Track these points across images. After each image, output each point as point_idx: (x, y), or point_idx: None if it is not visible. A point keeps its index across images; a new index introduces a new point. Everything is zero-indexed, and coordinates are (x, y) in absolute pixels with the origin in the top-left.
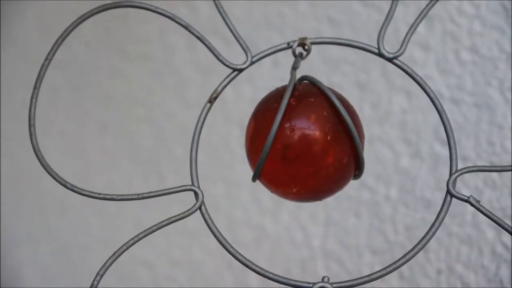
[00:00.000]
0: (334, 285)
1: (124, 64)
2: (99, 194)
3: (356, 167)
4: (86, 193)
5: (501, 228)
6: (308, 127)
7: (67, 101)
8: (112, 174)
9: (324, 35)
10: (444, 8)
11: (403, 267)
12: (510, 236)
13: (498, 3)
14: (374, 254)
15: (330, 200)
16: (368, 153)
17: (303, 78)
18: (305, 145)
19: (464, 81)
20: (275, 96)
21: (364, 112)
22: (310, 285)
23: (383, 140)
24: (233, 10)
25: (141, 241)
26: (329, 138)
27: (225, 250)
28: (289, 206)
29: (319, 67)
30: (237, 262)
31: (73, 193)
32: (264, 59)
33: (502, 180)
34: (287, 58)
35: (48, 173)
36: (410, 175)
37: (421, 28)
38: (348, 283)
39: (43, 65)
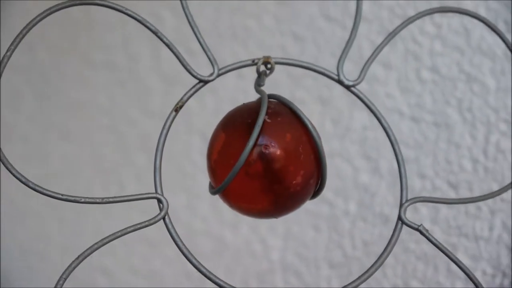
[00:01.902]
0: None
1: (88, 72)
2: (62, 195)
3: (317, 187)
4: (49, 193)
5: (457, 247)
6: (283, 146)
7: (29, 107)
8: (73, 181)
9: (288, 50)
10: (407, 28)
11: None
12: (457, 266)
13: (459, 24)
14: (332, 268)
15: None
16: (328, 168)
17: (271, 96)
18: (279, 163)
19: (424, 100)
20: (248, 112)
21: (325, 128)
22: None
23: (343, 155)
24: (198, 21)
25: (100, 249)
26: (302, 158)
27: (183, 260)
28: (249, 218)
29: (283, 81)
30: (196, 272)
31: (32, 199)
32: (228, 74)
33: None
34: (251, 71)
35: (9, 171)
36: (369, 191)
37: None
38: None
39: (4, 55)
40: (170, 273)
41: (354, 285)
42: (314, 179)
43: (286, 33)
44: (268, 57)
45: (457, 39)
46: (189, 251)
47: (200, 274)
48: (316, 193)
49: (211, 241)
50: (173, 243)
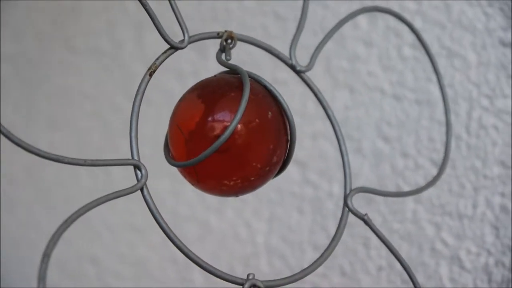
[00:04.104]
0: (264, 283)
1: (73, 58)
2: (45, 152)
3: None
4: (32, 149)
5: (441, 225)
6: (265, 123)
7: (15, 95)
8: (59, 168)
9: (270, 30)
10: (387, 4)
11: (344, 264)
12: (396, 259)
13: None
14: (316, 250)
15: (274, 196)
16: (311, 149)
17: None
18: (261, 140)
19: (405, 77)
20: (227, 85)
21: (307, 109)
22: (243, 281)
23: (326, 136)
24: (181, 5)
25: (87, 237)
26: (280, 136)
27: (169, 246)
28: (234, 202)
29: (265, 62)
30: (182, 258)
31: (20, 188)
32: (211, 57)
33: (442, 177)
34: (234, 59)
35: None
36: (352, 171)
37: (364, 24)
38: (274, 282)
39: None
40: (156, 260)
41: (298, 276)
42: (283, 160)
43: (268, 14)
44: (231, 32)
45: (438, 14)
46: (168, 226)
47: (185, 261)
48: (278, 173)
49: (196, 226)
50: (157, 228)
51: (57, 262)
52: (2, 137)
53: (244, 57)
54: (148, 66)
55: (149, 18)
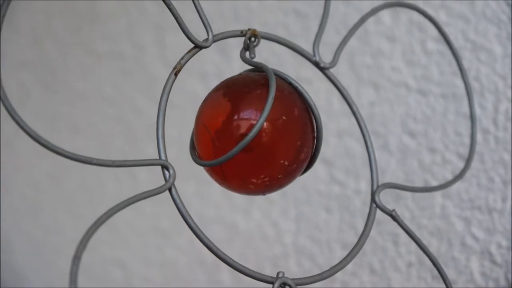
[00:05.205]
0: (294, 282)
1: (93, 62)
2: (74, 154)
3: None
4: (60, 151)
5: (470, 220)
6: (292, 120)
7: (37, 101)
8: (83, 174)
9: (292, 28)
10: None
11: (374, 261)
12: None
13: None
14: (345, 249)
15: (301, 195)
16: (337, 147)
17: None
18: (289, 137)
19: (430, 72)
20: (253, 83)
21: (333, 106)
22: (273, 280)
23: (352, 133)
24: (202, 5)
25: (113, 241)
26: (307, 134)
27: (197, 248)
28: (261, 203)
29: (287, 60)
30: (210, 260)
31: (44, 194)
32: (234, 58)
33: (470, 171)
34: (257, 58)
35: (18, 124)
36: (379, 168)
37: (387, 19)
38: (304, 280)
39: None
40: (183, 262)
41: (327, 274)
42: (309, 157)
43: (289, 12)
44: (255, 30)
45: (462, 7)
46: (197, 226)
47: (213, 262)
48: (305, 171)
49: (223, 227)
50: (184, 231)
51: (83, 266)
52: (25, 141)
53: (266, 56)
54: (169, 67)
55: (171, 19)
